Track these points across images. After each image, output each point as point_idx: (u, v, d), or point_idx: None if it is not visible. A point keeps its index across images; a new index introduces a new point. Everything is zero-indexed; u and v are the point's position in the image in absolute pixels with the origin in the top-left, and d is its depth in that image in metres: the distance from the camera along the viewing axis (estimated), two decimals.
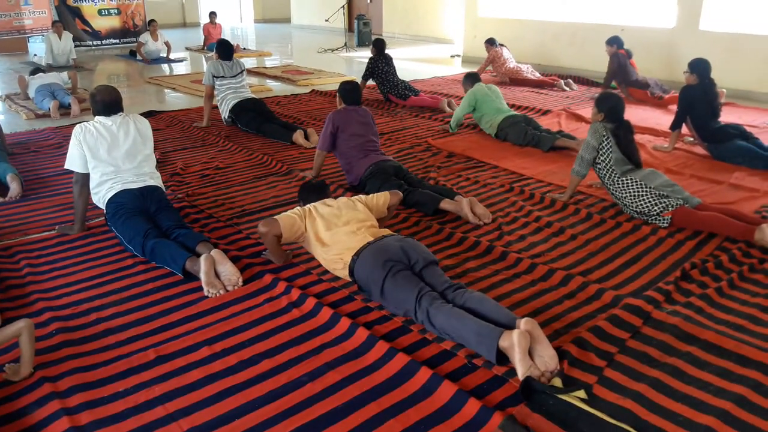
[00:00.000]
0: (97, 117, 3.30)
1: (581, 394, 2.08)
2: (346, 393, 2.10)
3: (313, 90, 7.90)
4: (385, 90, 7.11)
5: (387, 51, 7.23)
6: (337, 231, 2.83)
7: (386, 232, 2.86)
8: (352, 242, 2.75)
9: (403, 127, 6.01)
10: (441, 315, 2.37)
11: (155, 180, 3.34)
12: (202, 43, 12.12)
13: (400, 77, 7.18)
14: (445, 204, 3.61)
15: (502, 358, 2.20)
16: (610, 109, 3.74)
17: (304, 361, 2.28)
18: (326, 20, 15.17)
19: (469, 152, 5.08)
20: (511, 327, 2.25)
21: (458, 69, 10.15)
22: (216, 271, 2.82)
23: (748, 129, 5.09)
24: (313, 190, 3.18)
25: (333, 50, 12.40)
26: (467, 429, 1.93)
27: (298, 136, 5.22)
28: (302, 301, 2.66)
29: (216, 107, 5.99)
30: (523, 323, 2.20)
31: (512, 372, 2.17)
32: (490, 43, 8.64)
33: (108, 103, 3.28)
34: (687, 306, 2.66)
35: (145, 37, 10.78)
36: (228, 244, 3.26)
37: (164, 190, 3.42)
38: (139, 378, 2.19)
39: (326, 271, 2.96)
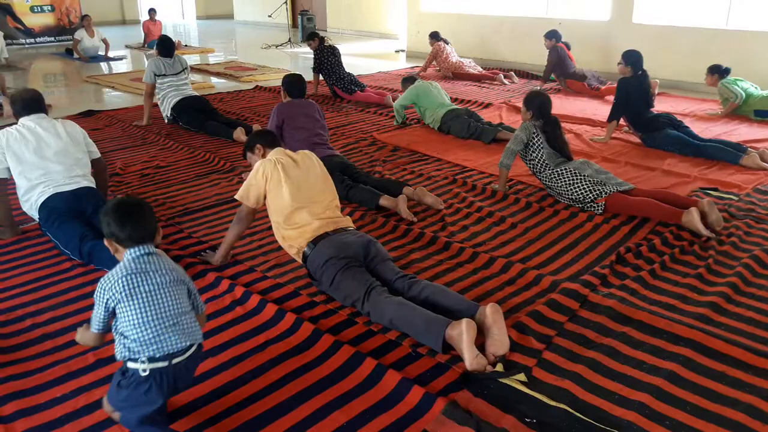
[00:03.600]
0: (20, 120, 3.20)
1: (521, 377, 2.15)
2: (290, 388, 2.10)
3: (256, 86, 7.82)
4: (331, 82, 7.10)
5: (334, 45, 7.23)
6: (301, 209, 2.75)
7: (348, 223, 2.86)
8: (312, 228, 2.72)
9: (348, 122, 6.02)
10: (390, 306, 2.41)
11: (89, 182, 3.25)
12: (142, 41, 11.81)
13: (347, 71, 7.19)
14: (384, 201, 3.65)
15: (447, 347, 2.25)
16: (538, 107, 3.88)
17: (248, 358, 2.27)
18: (269, 16, 15.02)
19: (414, 146, 5.13)
20: (472, 315, 2.32)
21: (403, 64, 10.22)
22: None
23: (678, 118, 5.30)
24: (265, 133, 3.10)
25: (277, 46, 12.28)
26: (411, 416, 1.97)
27: (239, 133, 5.16)
28: (246, 298, 2.64)
29: (156, 105, 5.86)
30: (489, 307, 2.29)
31: (455, 359, 2.22)
32: (434, 37, 8.72)
33: (28, 102, 3.20)
34: (622, 288, 2.77)
35: (80, 33, 10.42)
36: (169, 244, 3.20)
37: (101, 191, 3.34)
38: (78, 382, 2.14)
39: (271, 268, 2.95)
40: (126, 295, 1.75)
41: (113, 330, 1.82)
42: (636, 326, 2.47)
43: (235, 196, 2.89)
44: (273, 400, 2.04)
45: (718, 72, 6.09)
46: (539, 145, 3.84)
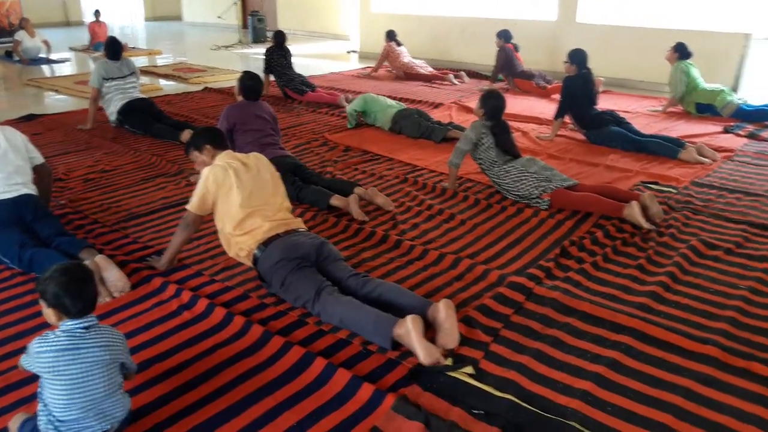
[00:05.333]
0: None
1: (469, 369, 2.19)
2: (240, 390, 2.09)
3: (206, 88, 7.71)
4: (281, 83, 7.07)
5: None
6: (252, 214, 2.73)
7: (299, 224, 2.85)
8: (263, 230, 2.70)
9: (300, 122, 6.00)
10: (339, 306, 2.42)
11: (30, 189, 3.15)
12: (87, 43, 11.48)
13: (297, 72, 7.17)
14: (335, 201, 3.66)
15: (397, 344, 2.28)
16: (492, 108, 3.94)
17: (197, 362, 2.24)
18: (219, 17, 14.82)
19: (365, 146, 5.15)
20: (424, 312, 2.36)
21: (355, 65, 10.23)
22: (101, 278, 2.71)
23: (621, 115, 5.47)
24: (212, 133, 3.00)
25: (227, 47, 12.13)
26: (361, 413, 1.98)
27: (187, 135, 5.08)
28: (194, 302, 2.61)
29: (102, 109, 5.72)
30: (442, 303, 2.34)
31: (406, 354, 2.25)
32: (389, 36, 8.76)
33: None
34: (566, 280, 2.85)
35: (20, 35, 10.06)
36: (114, 249, 3.13)
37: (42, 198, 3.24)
38: (19, 394, 2.07)
39: (219, 272, 2.92)
40: (53, 372, 1.67)
41: (38, 395, 1.75)
42: (579, 317, 2.55)
43: (187, 207, 2.84)
44: (222, 403, 2.03)
45: (680, 51, 6.30)
46: (488, 145, 3.91)
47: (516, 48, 7.79)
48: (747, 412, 1.98)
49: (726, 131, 5.69)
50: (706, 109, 6.26)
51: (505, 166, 3.87)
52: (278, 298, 2.66)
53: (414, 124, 5.42)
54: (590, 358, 2.28)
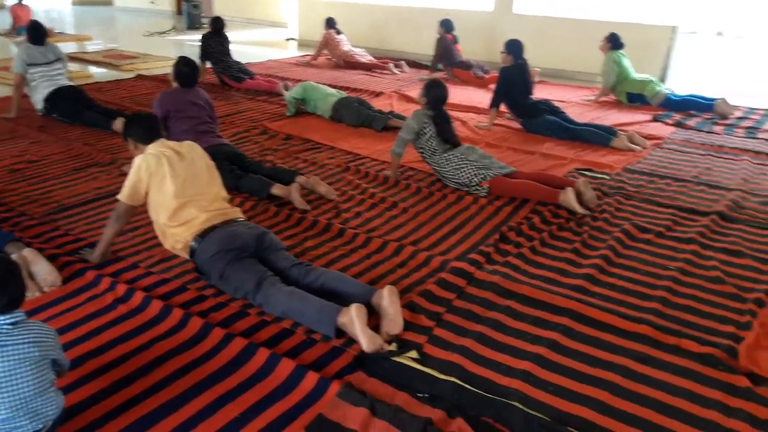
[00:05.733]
0: None
1: (413, 354, 2.21)
2: (179, 384, 2.03)
3: (138, 75, 7.43)
4: (218, 71, 6.90)
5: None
6: (187, 203, 2.66)
7: (237, 214, 2.79)
8: (199, 221, 2.63)
9: (237, 110, 5.87)
10: (281, 296, 2.39)
11: None
12: (9, 26, 10.86)
13: (235, 60, 7.02)
14: (276, 189, 3.60)
15: (342, 332, 2.27)
16: (434, 98, 3.97)
17: (134, 357, 2.17)
18: (151, 2, 14.32)
19: (306, 134, 5.09)
20: (369, 299, 2.37)
21: (294, 52, 10.09)
22: (30, 272, 2.58)
23: (556, 104, 5.62)
24: (147, 125, 2.87)
25: (161, 33, 11.73)
26: (306, 401, 1.97)
27: (119, 124, 4.88)
28: (129, 296, 2.51)
29: (27, 96, 5.42)
30: (386, 290, 2.35)
31: (350, 342, 2.24)
32: (329, 24, 8.68)
33: None
34: (505, 265, 2.91)
35: None
36: (43, 243, 2.98)
37: None
38: None
39: (155, 263, 2.83)
40: None
41: None
42: (519, 300, 2.61)
43: (119, 197, 2.73)
44: (161, 398, 1.97)
45: (613, 42, 6.50)
46: (430, 135, 3.94)
47: (455, 39, 7.87)
48: (678, 387, 2.08)
49: (655, 120, 5.94)
50: (636, 98, 6.50)
51: (445, 155, 3.92)
52: (218, 290, 2.60)
53: (355, 113, 5.40)
54: (530, 340, 2.34)
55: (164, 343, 2.25)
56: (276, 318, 2.41)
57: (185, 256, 2.71)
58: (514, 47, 5.36)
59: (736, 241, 3.22)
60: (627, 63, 6.55)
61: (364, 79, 7.70)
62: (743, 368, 2.16)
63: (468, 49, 8.14)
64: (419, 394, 2.01)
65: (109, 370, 2.09)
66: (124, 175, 2.80)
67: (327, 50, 8.80)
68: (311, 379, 2.04)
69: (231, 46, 7.07)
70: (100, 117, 5.10)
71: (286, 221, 3.38)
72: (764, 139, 5.33)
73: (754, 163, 4.62)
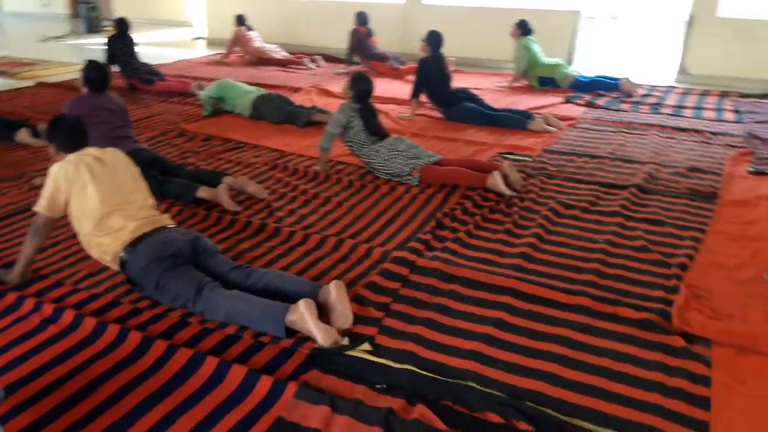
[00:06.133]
0: None
1: (366, 346, 2.20)
2: (126, 402, 1.93)
3: (39, 83, 6.98)
4: (126, 74, 6.59)
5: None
6: (113, 212, 2.53)
7: (167, 221, 2.68)
8: (128, 230, 2.50)
9: (151, 114, 5.62)
10: (224, 301, 2.32)
11: None
12: None
13: (142, 61, 6.73)
14: (203, 192, 3.48)
15: (292, 331, 2.23)
16: (360, 91, 3.97)
17: (72, 379, 2.04)
18: (44, 5, 13.47)
19: (227, 134, 4.95)
20: (315, 295, 2.32)
21: (203, 51, 9.78)
22: None
23: (473, 92, 5.74)
24: (72, 130, 2.69)
25: (57, 38, 11.06)
26: (263, 406, 1.92)
27: (23, 135, 4.57)
28: (58, 315, 2.36)
29: None
30: (332, 285, 2.32)
31: (301, 341, 2.21)
32: (239, 21, 8.46)
33: None
34: (444, 250, 2.95)
35: None
36: None
37: None
38: None
39: (82, 279, 2.67)
40: None
41: None
42: (461, 283, 2.65)
43: (35, 209, 2.56)
44: (109, 417, 1.87)
45: (522, 28, 6.70)
46: (358, 128, 3.93)
47: (370, 32, 7.88)
48: (621, 352, 2.18)
49: (567, 101, 6.19)
50: (547, 82, 6.75)
51: (374, 147, 3.92)
52: (153, 301, 2.49)
53: (276, 110, 5.30)
54: (477, 320, 2.38)
55: (103, 361, 2.13)
56: (220, 324, 2.33)
57: (115, 267, 2.57)
58: (434, 38, 5.43)
59: (656, 211, 3.41)
60: (537, 48, 6.78)
61: (281, 76, 7.57)
62: (677, 329, 2.29)
63: (382, 41, 8.16)
64: (377, 386, 2.00)
65: (48, 395, 1.96)
66: (36, 188, 2.62)
67: (239, 48, 8.59)
68: (265, 382, 1.99)
69: (137, 48, 6.77)
70: (1, 129, 4.74)
71: (217, 224, 3.28)
72: (668, 114, 5.68)
73: (662, 137, 4.91)
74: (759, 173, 3.98)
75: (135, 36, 6.94)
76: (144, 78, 6.58)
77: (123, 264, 2.52)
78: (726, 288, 2.59)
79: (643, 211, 3.42)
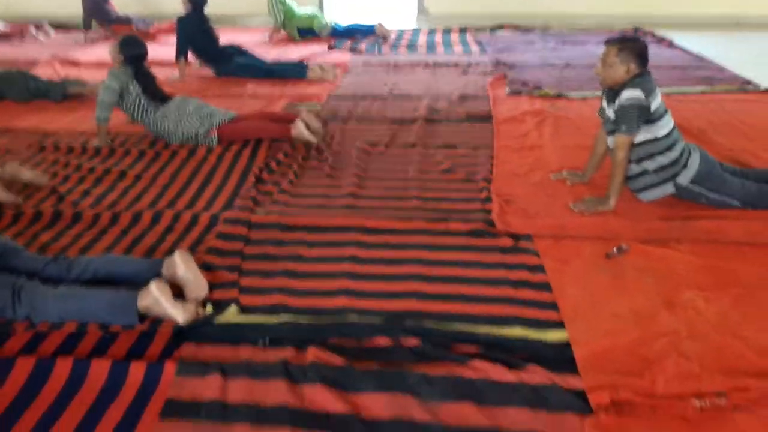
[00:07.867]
0: None
1: (234, 310, 2.10)
2: None
3: None
4: None
5: None
6: None
7: None
8: None
9: None
10: (52, 300, 2.02)
11: None
12: None
13: None
14: None
15: (144, 317, 2.03)
16: (132, 55, 3.66)
17: None
18: None
19: None
20: (157, 272, 2.13)
21: None
22: None
23: (243, 48, 5.56)
24: None
25: None
26: (144, 393, 1.75)
27: None
28: None
29: None
30: (177, 255, 2.14)
31: (157, 322, 2.02)
32: None
33: None
34: (276, 203, 2.91)
35: None
36: None
37: None
38: None
39: None
40: None
41: None
42: (306, 229, 2.65)
43: None
44: None
45: None
46: (137, 93, 3.60)
47: None
48: (467, 260, 2.39)
49: (330, 48, 6.34)
50: (306, 32, 6.83)
51: (160, 111, 3.63)
52: None
53: (22, 87, 4.56)
54: (333, 260, 2.41)
55: None
56: (54, 325, 2.03)
57: None
58: None
59: (447, 137, 3.74)
60: (290, 1, 6.79)
61: (7, 50, 6.48)
62: (502, 231, 2.59)
63: (121, 4, 7.41)
64: (260, 343, 1.94)
65: None
66: None
67: None
68: (137, 369, 1.80)
69: None
70: None
71: None
72: (424, 52, 6.16)
73: (427, 73, 5.33)
74: (515, 93, 4.58)
75: None
76: None
77: None
78: (526, 191, 2.98)
79: (437, 139, 3.72)
